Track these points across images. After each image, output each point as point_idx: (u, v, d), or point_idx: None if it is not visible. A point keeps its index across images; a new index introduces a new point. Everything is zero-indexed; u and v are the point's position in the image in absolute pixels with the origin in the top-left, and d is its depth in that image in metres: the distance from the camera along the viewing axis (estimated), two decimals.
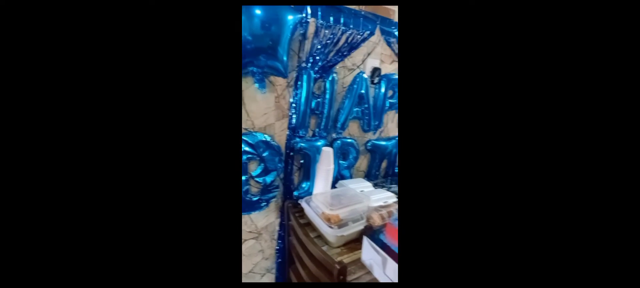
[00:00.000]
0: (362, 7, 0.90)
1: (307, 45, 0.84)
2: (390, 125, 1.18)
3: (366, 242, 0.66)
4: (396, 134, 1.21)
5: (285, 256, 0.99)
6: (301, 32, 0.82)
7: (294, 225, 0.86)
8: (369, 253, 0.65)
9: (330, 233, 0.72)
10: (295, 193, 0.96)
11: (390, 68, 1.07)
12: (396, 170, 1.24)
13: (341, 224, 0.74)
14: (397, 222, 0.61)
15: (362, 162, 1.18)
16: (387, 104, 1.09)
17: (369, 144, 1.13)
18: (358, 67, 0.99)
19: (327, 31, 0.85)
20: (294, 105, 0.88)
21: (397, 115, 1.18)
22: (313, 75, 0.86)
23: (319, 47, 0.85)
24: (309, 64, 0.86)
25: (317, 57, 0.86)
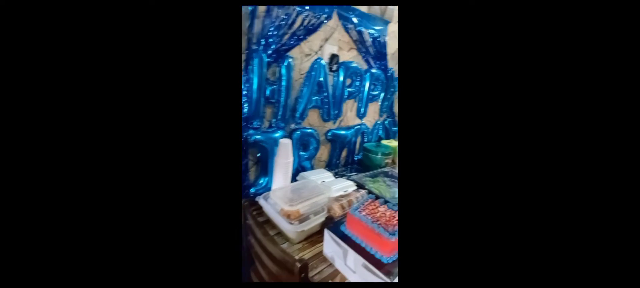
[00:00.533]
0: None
1: (258, 25, 0.75)
2: (349, 114, 1.19)
3: (327, 235, 0.64)
4: (355, 122, 1.22)
5: (243, 257, 0.92)
6: (250, 8, 0.71)
7: (251, 224, 0.79)
8: (331, 245, 0.63)
9: (290, 229, 0.69)
10: (251, 190, 0.89)
11: (348, 55, 1.06)
12: (355, 158, 1.27)
13: (302, 219, 0.71)
14: (356, 212, 0.61)
15: (323, 152, 1.16)
16: (346, 93, 1.08)
17: (329, 134, 1.11)
18: (316, 52, 0.94)
19: (280, 11, 0.76)
20: (245, 92, 0.78)
21: (355, 104, 1.19)
22: (266, 60, 0.78)
23: (272, 28, 0.76)
24: (261, 47, 0.77)
25: (270, 40, 0.77)
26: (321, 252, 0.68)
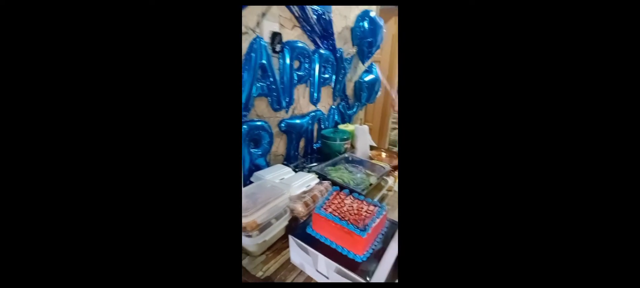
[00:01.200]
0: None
1: None
2: (302, 101, 1.09)
3: (292, 241, 0.56)
4: (310, 109, 1.14)
5: None
6: None
7: None
8: (298, 252, 0.56)
9: (249, 243, 0.58)
10: None
11: (293, 34, 0.94)
12: (314, 147, 1.20)
13: (262, 227, 0.61)
14: (322, 210, 0.54)
15: (279, 145, 1.05)
16: (296, 77, 0.98)
17: (282, 124, 1.00)
18: (253, 30, 0.79)
19: None
20: None
21: (307, 89, 1.10)
22: None
23: None
24: None
25: None
26: (288, 259, 0.60)
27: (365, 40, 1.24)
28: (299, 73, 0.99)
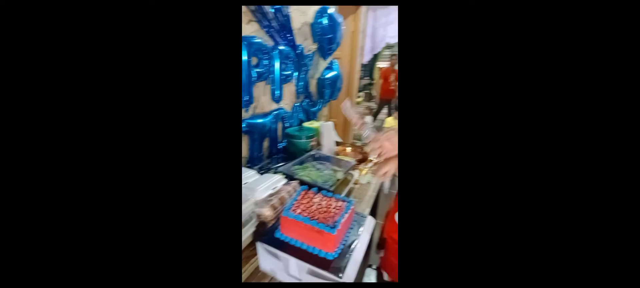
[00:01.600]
0: None
1: None
2: (263, 99, 1.04)
3: (261, 248, 0.53)
4: (272, 108, 1.10)
5: None
6: None
7: None
8: (267, 259, 0.53)
9: None
10: None
11: (249, 29, 0.89)
12: (279, 146, 1.17)
13: None
14: (290, 212, 0.53)
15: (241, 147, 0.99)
16: (254, 74, 0.93)
17: (243, 125, 0.94)
18: None
19: None
20: None
21: (268, 86, 1.05)
22: None
23: None
24: None
25: None
26: (257, 267, 0.57)
27: (325, 37, 1.25)
28: (258, 70, 0.94)
